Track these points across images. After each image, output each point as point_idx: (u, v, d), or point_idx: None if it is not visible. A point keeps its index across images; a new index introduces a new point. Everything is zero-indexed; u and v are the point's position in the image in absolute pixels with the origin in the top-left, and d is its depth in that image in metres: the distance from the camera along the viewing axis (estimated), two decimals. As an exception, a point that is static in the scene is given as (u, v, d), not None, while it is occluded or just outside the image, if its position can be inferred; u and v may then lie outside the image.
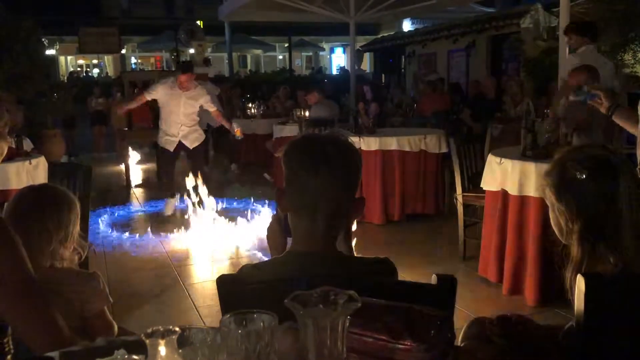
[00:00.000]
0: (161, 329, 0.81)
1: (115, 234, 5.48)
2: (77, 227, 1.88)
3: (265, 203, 6.22)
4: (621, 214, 1.36)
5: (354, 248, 1.56)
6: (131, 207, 6.54)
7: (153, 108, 6.82)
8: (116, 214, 6.13)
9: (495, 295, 3.75)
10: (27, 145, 5.11)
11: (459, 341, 1.50)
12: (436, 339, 0.98)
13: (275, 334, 0.88)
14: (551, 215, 1.48)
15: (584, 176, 1.38)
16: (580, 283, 1.27)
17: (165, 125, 5.94)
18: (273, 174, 7.75)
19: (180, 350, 0.83)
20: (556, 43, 5.74)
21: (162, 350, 0.80)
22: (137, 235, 5.37)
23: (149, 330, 0.81)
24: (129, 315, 3.51)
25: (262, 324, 0.88)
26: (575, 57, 4.86)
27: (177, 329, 0.82)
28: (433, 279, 1.28)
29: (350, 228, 1.57)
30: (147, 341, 0.80)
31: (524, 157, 3.68)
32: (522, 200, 3.57)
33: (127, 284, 4.17)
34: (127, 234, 5.45)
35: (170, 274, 4.37)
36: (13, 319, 1.23)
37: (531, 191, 3.48)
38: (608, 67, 4.89)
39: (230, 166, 9.25)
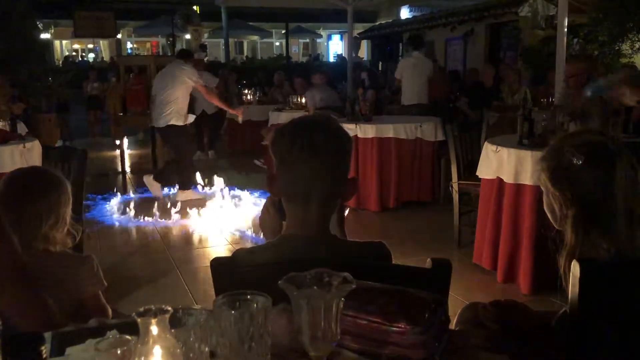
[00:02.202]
0: (153, 308, 0.80)
1: (110, 218, 5.46)
2: (69, 210, 1.85)
3: (259, 189, 6.22)
4: (616, 200, 1.36)
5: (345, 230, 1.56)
6: (126, 192, 6.52)
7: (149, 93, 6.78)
8: (111, 199, 6.11)
9: (489, 283, 3.76)
10: (22, 128, 5.09)
11: (453, 325, 1.50)
12: (430, 322, 0.97)
13: (269, 315, 0.88)
14: (545, 200, 1.48)
15: (581, 162, 1.37)
16: (575, 268, 1.26)
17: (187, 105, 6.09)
18: (267, 161, 7.73)
19: (172, 331, 0.82)
20: (554, 32, 5.71)
21: (154, 329, 0.80)
22: (132, 220, 5.36)
23: (141, 309, 0.80)
24: (124, 299, 3.51)
25: (255, 305, 0.87)
26: (409, 59, 7.39)
27: (169, 308, 0.82)
28: (428, 263, 1.28)
29: (344, 212, 1.56)
30: (139, 320, 0.79)
31: (520, 145, 3.68)
32: (518, 188, 3.57)
33: (122, 268, 4.16)
34: (122, 218, 5.44)
35: (165, 259, 4.37)
36: (3, 303, 1.23)
37: (527, 179, 3.48)
38: (428, 67, 7.36)
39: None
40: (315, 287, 0.89)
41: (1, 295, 1.24)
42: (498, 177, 3.73)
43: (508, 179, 3.61)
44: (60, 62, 22.77)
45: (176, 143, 6.02)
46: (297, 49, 30.32)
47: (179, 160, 6.06)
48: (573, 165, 1.38)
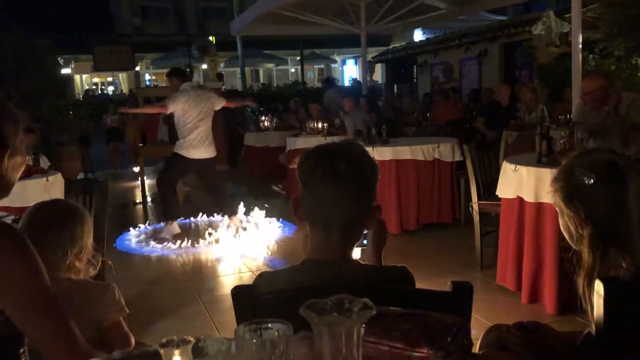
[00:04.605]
0: (176, 339, 0.81)
1: (131, 249, 5.51)
2: (91, 240, 1.90)
3: (277, 215, 6.22)
4: (631, 218, 1.35)
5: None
6: (147, 222, 6.57)
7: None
8: (133, 230, 6.16)
9: (514, 304, 3.70)
10: (44, 162, 5.18)
11: (477, 348, 1.48)
12: (453, 346, 0.97)
13: (290, 343, 0.88)
14: (560, 221, 1.47)
15: (592, 181, 1.36)
16: (599, 288, 1.25)
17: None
18: (286, 186, 7.76)
19: (195, 360, 0.83)
20: (569, 49, 5.72)
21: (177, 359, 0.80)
22: (153, 249, 5.40)
23: (164, 340, 0.81)
24: (146, 329, 3.52)
25: (277, 333, 0.88)
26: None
27: (191, 338, 0.82)
28: (448, 286, 1.27)
29: (382, 240, 1.57)
30: (162, 351, 0.80)
31: (539, 163, 3.65)
32: (539, 207, 3.53)
33: (144, 298, 4.18)
34: (143, 248, 5.48)
35: (187, 288, 4.38)
36: (30, 330, 1.24)
37: (547, 198, 3.43)
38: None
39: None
40: (335, 314, 0.89)
41: (30, 321, 1.26)
42: (518, 196, 3.70)
43: (528, 197, 3.58)
44: (81, 96, 23.26)
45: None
46: (312, 75, 30.59)
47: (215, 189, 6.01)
48: (585, 185, 1.37)
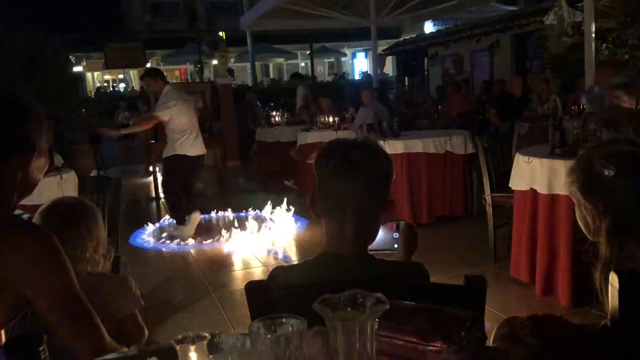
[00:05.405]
0: (191, 335, 0.82)
1: (145, 245, 5.55)
2: (104, 233, 1.93)
3: (291, 210, 6.22)
4: None
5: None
6: (160, 218, 6.61)
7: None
8: (145, 226, 6.20)
9: (528, 297, 3.69)
10: (58, 160, 5.21)
11: (490, 342, 1.47)
12: (467, 340, 0.96)
13: (304, 338, 0.88)
14: (577, 212, 1.45)
15: (612, 173, 1.35)
16: (613, 280, 1.24)
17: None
18: (297, 181, 7.76)
19: (210, 356, 0.84)
20: (581, 38, 5.67)
21: (193, 356, 0.81)
22: (167, 245, 5.43)
23: (179, 337, 0.82)
24: (160, 325, 3.55)
25: (291, 328, 0.88)
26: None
27: (207, 334, 0.83)
28: (462, 280, 1.27)
29: (412, 245, 1.57)
30: (178, 347, 0.81)
31: (552, 155, 3.63)
32: (552, 198, 3.51)
33: (158, 294, 4.21)
34: (156, 244, 5.51)
35: (200, 283, 4.41)
36: (59, 325, 1.27)
37: (561, 189, 3.42)
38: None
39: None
40: (349, 309, 0.89)
41: (61, 320, 1.28)
42: (531, 188, 3.68)
43: (542, 189, 3.56)
44: (93, 94, 23.40)
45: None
46: (322, 69, 30.53)
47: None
48: (604, 177, 1.35)
